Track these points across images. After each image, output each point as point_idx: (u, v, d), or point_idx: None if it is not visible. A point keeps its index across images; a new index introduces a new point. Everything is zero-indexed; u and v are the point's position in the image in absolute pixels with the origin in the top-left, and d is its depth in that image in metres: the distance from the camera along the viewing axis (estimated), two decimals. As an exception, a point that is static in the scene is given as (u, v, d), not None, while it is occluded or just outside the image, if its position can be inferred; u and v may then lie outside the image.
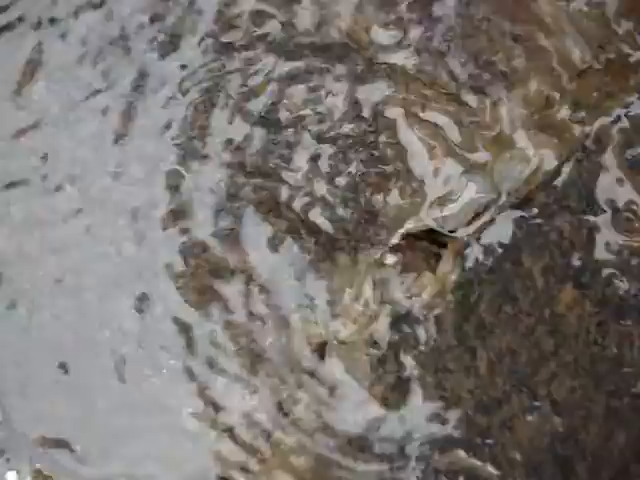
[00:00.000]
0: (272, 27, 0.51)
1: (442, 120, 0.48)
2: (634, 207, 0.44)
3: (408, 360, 0.46)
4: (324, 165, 0.48)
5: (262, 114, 0.49)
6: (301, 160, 0.49)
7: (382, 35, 0.50)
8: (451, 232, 0.46)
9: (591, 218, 0.46)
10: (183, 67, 0.52)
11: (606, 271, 0.47)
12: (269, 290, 0.47)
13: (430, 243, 0.46)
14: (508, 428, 0.46)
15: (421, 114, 0.48)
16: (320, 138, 0.49)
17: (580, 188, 0.47)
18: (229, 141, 0.49)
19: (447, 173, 0.47)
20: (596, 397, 0.46)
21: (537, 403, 0.46)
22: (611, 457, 0.46)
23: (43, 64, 0.52)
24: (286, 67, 0.50)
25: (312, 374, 0.47)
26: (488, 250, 0.46)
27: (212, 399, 0.47)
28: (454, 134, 0.48)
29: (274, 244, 0.48)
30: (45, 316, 0.50)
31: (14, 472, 0.50)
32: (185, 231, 0.48)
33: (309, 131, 0.49)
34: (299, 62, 0.50)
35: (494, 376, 0.46)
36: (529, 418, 0.46)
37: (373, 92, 0.49)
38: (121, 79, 0.52)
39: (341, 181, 0.48)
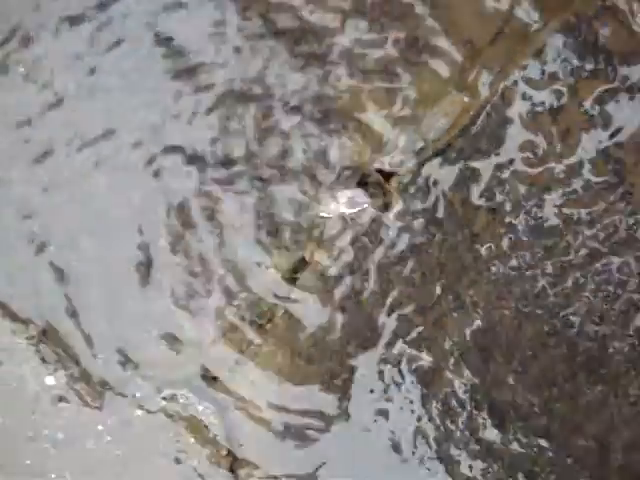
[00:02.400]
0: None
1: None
2: (531, 146, 0.54)
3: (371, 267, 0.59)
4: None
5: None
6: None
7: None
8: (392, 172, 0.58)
9: (499, 158, 0.56)
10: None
11: (513, 198, 0.57)
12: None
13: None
14: (439, 325, 0.57)
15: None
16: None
17: (489, 135, 0.56)
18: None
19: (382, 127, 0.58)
20: (508, 298, 0.56)
21: (461, 304, 0.57)
22: (520, 345, 0.57)
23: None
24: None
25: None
26: (420, 187, 0.57)
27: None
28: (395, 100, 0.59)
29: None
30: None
31: (52, 377, 0.63)
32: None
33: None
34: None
35: (427, 285, 0.57)
36: (455, 316, 0.57)
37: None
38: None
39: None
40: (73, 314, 0.62)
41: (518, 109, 0.53)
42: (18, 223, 0.62)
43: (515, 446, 0.56)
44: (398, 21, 0.57)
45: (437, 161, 0.54)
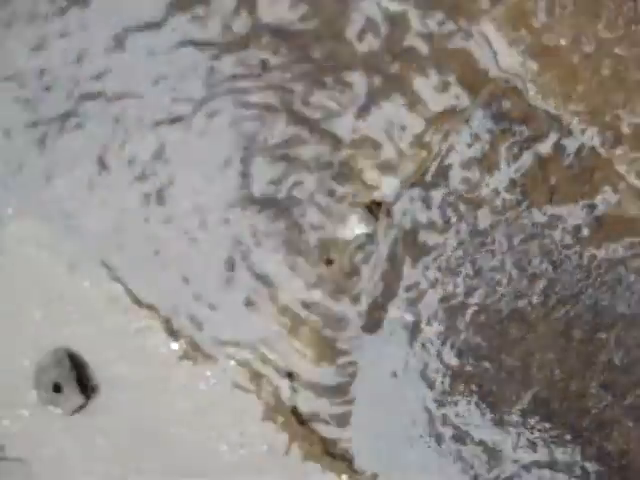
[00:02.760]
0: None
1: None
2: (467, 179, 0.82)
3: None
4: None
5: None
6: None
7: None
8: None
9: (447, 189, 0.85)
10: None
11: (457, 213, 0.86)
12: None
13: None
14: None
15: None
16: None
17: (441, 174, 0.85)
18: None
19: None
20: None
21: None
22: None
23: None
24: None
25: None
26: (401, 210, 0.86)
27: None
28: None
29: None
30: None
31: (177, 343, 0.89)
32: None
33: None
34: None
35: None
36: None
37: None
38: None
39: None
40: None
41: (457, 157, 0.82)
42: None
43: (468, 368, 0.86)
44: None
45: (409, 192, 0.84)
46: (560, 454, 0.80)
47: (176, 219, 0.87)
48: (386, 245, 0.83)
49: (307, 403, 0.85)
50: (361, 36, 0.84)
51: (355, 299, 0.84)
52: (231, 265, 0.85)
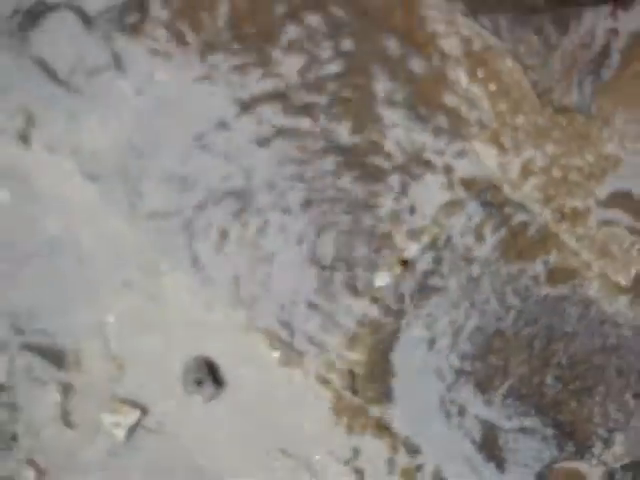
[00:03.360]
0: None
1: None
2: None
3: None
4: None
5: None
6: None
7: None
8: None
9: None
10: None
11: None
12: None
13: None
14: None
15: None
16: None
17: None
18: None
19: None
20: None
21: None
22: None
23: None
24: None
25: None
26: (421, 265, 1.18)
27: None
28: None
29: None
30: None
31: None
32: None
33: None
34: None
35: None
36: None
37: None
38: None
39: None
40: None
41: (458, 231, 1.11)
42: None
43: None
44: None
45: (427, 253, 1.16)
46: (528, 423, 1.06)
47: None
48: (410, 287, 1.16)
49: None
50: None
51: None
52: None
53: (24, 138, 1.13)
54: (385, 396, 1.05)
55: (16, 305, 1.09)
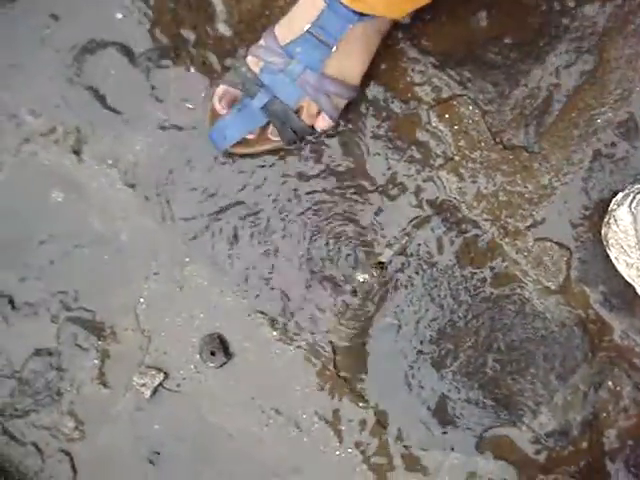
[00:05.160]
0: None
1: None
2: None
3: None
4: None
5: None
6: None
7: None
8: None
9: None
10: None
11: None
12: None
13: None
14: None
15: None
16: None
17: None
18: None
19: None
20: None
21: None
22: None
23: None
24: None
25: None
26: (392, 267, 1.40)
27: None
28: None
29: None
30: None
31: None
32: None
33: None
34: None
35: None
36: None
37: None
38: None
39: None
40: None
41: (423, 241, 1.41)
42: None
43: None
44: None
45: (397, 258, 1.40)
46: (472, 395, 1.10)
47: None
48: (383, 283, 1.33)
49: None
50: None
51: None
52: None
53: (77, 152, 1.38)
54: (360, 371, 1.16)
55: (66, 286, 1.28)
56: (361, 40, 1.00)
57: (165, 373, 1.24)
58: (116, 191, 1.23)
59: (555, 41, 1.16)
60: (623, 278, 1.10)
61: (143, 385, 1.27)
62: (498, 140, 1.28)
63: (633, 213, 0.98)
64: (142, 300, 1.29)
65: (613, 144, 1.17)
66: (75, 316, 1.30)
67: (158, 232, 1.21)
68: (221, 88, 1.03)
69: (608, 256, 1.11)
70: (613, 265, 1.10)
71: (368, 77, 1.14)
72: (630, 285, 1.09)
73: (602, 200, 1.15)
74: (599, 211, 1.15)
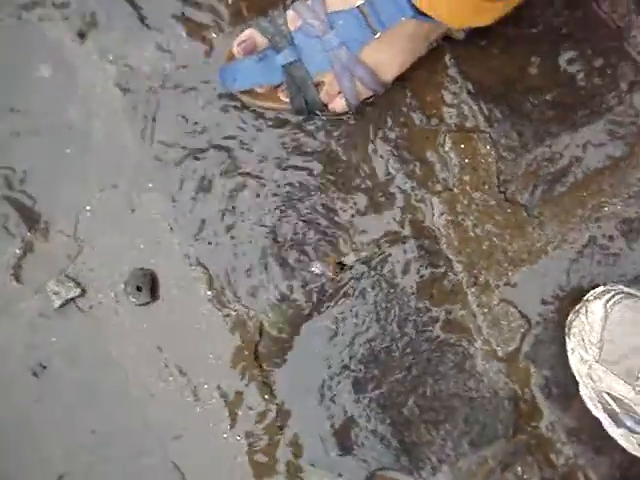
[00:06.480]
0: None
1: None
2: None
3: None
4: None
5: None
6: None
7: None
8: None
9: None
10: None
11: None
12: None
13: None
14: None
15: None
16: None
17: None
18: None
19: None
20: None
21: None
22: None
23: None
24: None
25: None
26: (352, 271, 1.35)
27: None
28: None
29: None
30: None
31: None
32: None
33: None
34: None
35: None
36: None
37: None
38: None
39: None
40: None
41: (394, 259, 1.35)
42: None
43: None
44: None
45: (360, 265, 1.34)
46: (380, 429, 1.12)
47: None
48: (335, 285, 1.27)
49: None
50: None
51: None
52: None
53: (82, 35, 1.29)
54: (278, 363, 1.13)
55: (17, 164, 1.22)
56: (407, 39, 0.99)
57: (83, 290, 1.23)
58: (106, 89, 1.18)
59: (595, 116, 1.12)
60: (571, 371, 1.08)
61: (56, 294, 1.22)
62: (502, 189, 1.25)
63: (607, 311, 0.94)
64: (88, 208, 1.24)
65: (611, 237, 1.15)
66: (14, 197, 1.24)
67: (132, 146, 1.18)
68: (248, 32, 0.99)
69: (565, 344, 1.08)
70: (566, 355, 1.08)
71: (400, 77, 1.07)
72: (575, 380, 1.03)
73: (579, 287, 1.13)
74: (572, 296, 1.13)
